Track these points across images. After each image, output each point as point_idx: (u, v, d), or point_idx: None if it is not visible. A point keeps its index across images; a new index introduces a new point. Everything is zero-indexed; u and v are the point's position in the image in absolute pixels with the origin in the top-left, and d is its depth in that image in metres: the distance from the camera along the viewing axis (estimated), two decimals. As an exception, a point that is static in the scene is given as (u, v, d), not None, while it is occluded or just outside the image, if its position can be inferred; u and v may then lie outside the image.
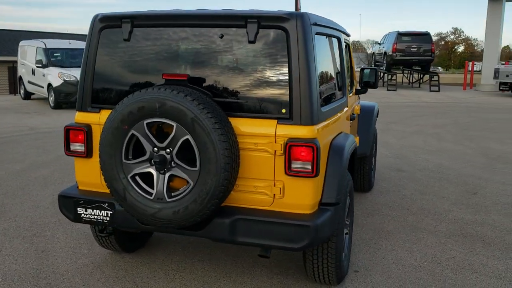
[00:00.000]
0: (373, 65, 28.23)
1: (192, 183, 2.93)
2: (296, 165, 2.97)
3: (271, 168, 3.05)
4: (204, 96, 2.97)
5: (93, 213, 3.37)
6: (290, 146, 2.95)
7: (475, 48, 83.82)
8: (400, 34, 23.70)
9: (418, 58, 23.41)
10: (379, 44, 27.15)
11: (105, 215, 3.34)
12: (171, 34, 3.23)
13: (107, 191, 3.39)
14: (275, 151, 3.00)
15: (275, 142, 3.00)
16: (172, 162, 2.97)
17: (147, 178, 3.08)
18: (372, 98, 18.87)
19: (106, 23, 3.34)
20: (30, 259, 4.06)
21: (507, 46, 78.29)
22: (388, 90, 23.23)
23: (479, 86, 25.40)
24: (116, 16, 3.31)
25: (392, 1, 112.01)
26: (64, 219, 4.95)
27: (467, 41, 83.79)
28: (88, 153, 3.40)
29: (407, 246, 4.47)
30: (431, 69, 26.45)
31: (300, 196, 3.04)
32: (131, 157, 3.06)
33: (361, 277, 3.84)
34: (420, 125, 12.23)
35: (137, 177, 3.06)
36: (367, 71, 5.13)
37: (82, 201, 3.38)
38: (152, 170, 3.01)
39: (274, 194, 3.06)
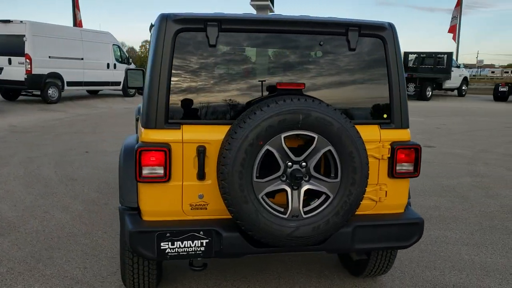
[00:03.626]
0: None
1: (331, 195, 2.82)
2: (400, 167, 3.14)
3: (375, 173, 3.14)
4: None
5: (182, 246, 2.88)
6: (397, 149, 3.11)
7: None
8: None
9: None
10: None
11: (199, 245, 2.90)
12: (264, 40, 3.00)
13: (190, 217, 2.97)
14: (382, 155, 3.11)
15: (383, 146, 3.10)
16: (305, 176, 2.80)
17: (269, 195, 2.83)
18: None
19: (184, 25, 2.87)
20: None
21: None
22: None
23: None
24: (199, 18, 2.88)
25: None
26: (16, 267, 3.93)
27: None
28: (169, 177, 2.89)
29: (380, 232, 5.00)
30: None
31: (400, 197, 3.22)
32: (258, 175, 2.75)
33: (382, 265, 4.18)
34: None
35: (264, 196, 2.78)
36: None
37: (168, 234, 2.86)
38: (285, 187, 2.78)
39: (379, 198, 3.15)
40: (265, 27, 2.98)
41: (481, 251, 4.58)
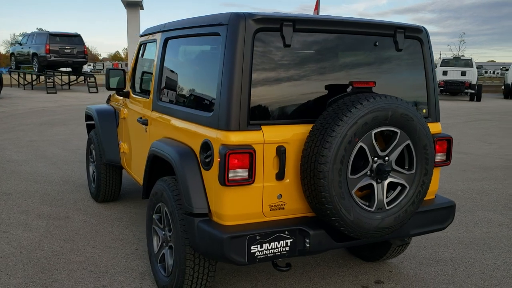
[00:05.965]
0: (13, 67, 25.84)
1: (408, 186, 3.01)
2: (438, 157, 3.47)
3: None
4: None
5: (269, 248, 2.85)
6: (436, 141, 3.43)
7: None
8: (52, 35, 22.73)
9: (72, 59, 23.08)
10: (20, 44, 25.10)
11: (284, 245, 2.89)
12: (329, 40, 3.08)
13: (269, 218, 2.97)
14: None
15: None
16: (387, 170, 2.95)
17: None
18: (38, 102, 17.90)
19: (263, 25, 2.83)
20: None
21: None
22: (48, 93, 22.01)
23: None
24: (276, 18, 2.86)
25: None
26: None
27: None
28: (253, 179, 2.83)
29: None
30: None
31: (434, 184, 3.54)
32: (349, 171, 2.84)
33: (383, 249, 4.52)
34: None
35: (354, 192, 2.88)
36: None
37: (258, 237, 2.80)
38: (371, 181, 2.91)
39: None
40: (334, 28, 3.06)
41: (448, 228, 5.18)
